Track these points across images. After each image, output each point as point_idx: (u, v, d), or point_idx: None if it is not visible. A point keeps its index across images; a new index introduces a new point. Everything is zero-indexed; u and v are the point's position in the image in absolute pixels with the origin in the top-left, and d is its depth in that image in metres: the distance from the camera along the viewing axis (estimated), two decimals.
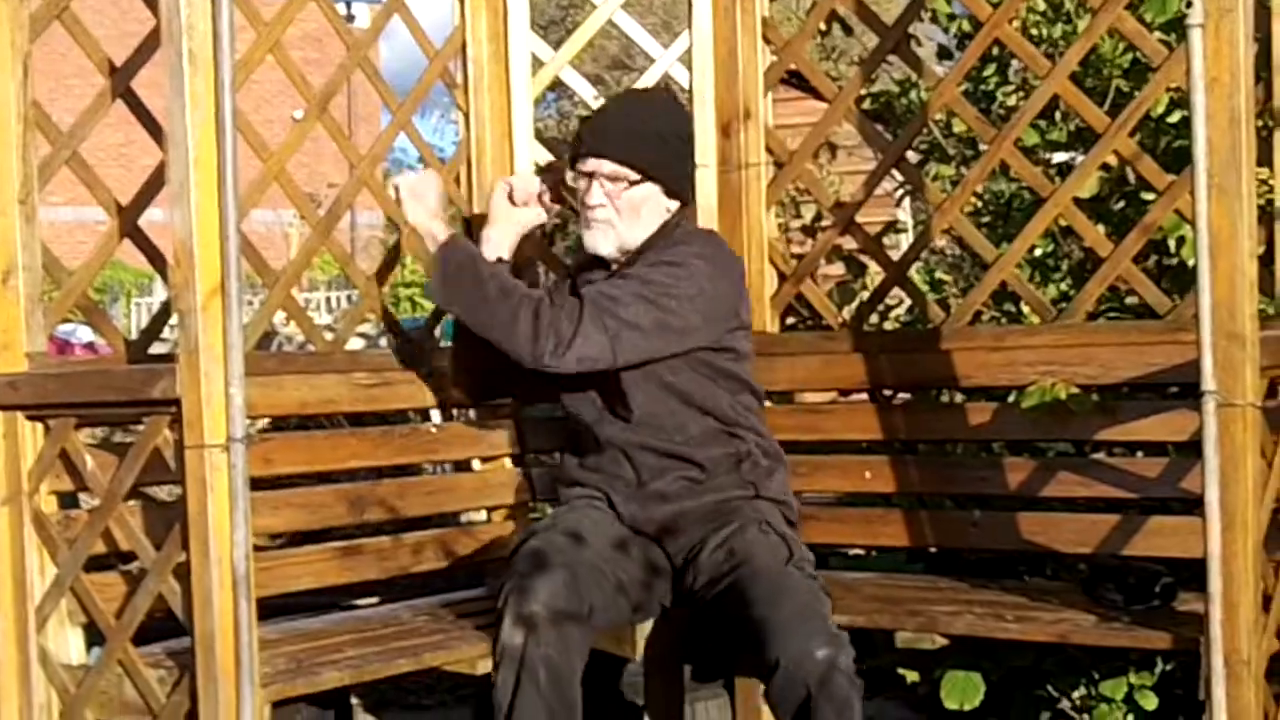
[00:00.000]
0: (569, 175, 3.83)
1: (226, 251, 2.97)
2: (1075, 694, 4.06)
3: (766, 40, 4.47)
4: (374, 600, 4.47)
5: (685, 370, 3.75)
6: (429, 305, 13.30)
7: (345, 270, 4.35)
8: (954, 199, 4.22)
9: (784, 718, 3.42)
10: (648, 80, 4.72)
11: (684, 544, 3.73)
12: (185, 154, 2.97)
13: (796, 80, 9.60)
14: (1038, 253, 4.60)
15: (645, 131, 3.77)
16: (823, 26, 4.58)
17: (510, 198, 3.87)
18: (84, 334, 13.21)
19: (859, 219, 4.42)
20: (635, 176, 3.74)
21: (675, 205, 3.82)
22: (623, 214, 3.75)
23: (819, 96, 4.53)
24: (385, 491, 4.07)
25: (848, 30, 4.55)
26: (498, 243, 3.81)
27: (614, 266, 3.80)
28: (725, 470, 3.77)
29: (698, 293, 3.69)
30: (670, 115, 3.88)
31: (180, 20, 2.94)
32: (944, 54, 5.39)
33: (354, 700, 4.73)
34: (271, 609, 3.53)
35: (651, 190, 3.77)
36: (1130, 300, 4.28)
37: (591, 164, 3.75)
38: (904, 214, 8.32)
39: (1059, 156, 4.70)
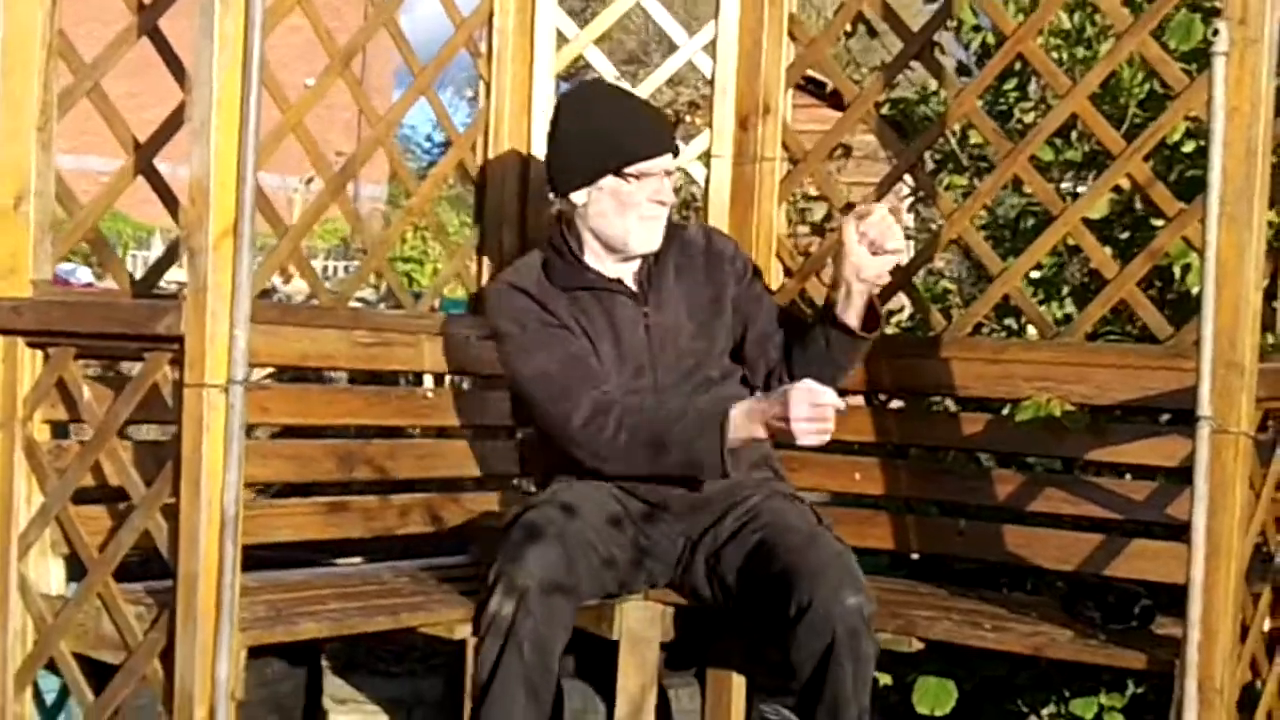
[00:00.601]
0: (605, 177, 3.82)
1: (242, 193, 2.98)
2: (1045, 710, 4.07)
3: (792, 36, 4.49)
4: (355, 561, 4.46)
5: (728, 367, 3.92)
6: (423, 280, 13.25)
7: (353, 227, 4.38)
8: (964, 209, 4.23)
9: (802, 663, 3.46)
10: (669, 70, 4.75)
11: (705, 519, 3.78)
12: (209, 93, 2.97)
13: (813, 86, 9.66)
14: (1035, 270, 4.62)
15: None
16: (848, 28, 4.60)
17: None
18: (84, 274, 13.20)
19: None
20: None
21: None
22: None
23: (834, 105, 4.56)
24: (375, 451, 4.09)
25: (872, 33, 4.56)
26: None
27: (637, 266, 3.88)
28: (751, 463, 3.83)
29: None
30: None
31: None
32: (963, 71, 5.39)
33: (324, 662, 4.73)
34: (251, 561, 3.53)
35: None
36: (1131, 324, 4.28)
37: (668, 161, 3.82)
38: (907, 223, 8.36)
39: (1065, 184, 4.71)
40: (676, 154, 3.88)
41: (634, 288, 3.87)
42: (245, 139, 2.98)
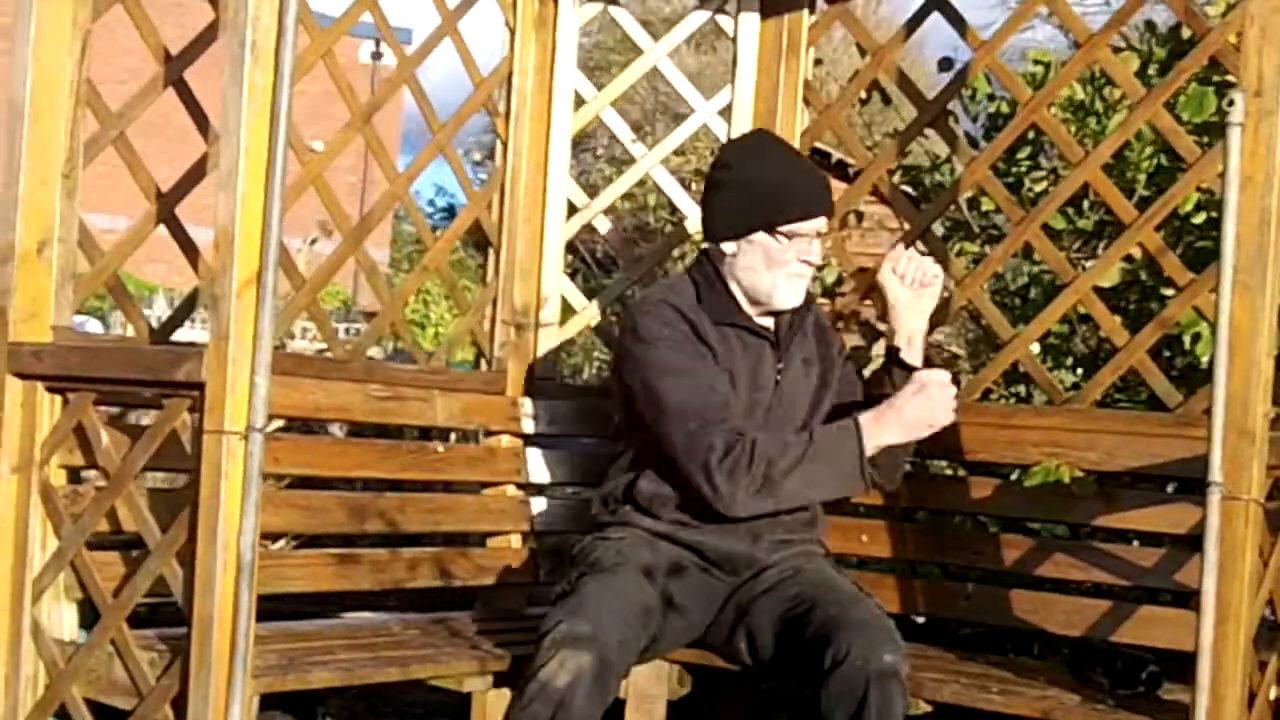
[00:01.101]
0: (766, 236, 3.86)
1: (267, 242, 3.00)
2: None
3: (806, 102, 4.53)
4: (364, 614, 4.47)
5: None
6: (425, 343, 13.22)
7: (370, 282, 4.39)
8: (976, 275, 4.26)
9: (832, 712, 3.45)
10: (685, 133, 4.78)
11: (744, 574, 3.80)
12: (237, 142, 2.99)
13: (818, 157, 9.69)
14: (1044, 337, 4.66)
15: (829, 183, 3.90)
16: (862, 95, 4.64)
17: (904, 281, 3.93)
18: (93, 326, 13.19)
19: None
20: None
21: None
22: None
23: (839, 176, 4.59)
24: (386, 504, 4.09)
25: (886, 100, 4.60)
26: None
27: (776, 321, 3.91)
28: (803, 525, 3.87)
29: None
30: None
31: (247, 11, 2.98)
32: (972, 144, 5.44)
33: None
34: (259, 612, 3.54)
35: None
36: (1140, 392, 4.30)
37: (822, 224, 3.85)
38: None
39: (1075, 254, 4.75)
40: (831, 215, 3.91)
41: (775, 338, 3.89)
42: (271, 189, 3.00)
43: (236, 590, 3.01)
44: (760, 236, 3.82)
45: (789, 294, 3.84)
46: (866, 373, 4.33)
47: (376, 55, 30.79)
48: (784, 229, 3.80)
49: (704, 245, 4.00)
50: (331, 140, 4.11)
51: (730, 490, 3.65)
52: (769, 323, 3.91)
